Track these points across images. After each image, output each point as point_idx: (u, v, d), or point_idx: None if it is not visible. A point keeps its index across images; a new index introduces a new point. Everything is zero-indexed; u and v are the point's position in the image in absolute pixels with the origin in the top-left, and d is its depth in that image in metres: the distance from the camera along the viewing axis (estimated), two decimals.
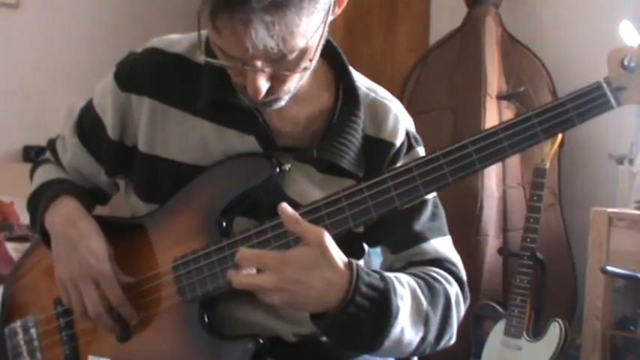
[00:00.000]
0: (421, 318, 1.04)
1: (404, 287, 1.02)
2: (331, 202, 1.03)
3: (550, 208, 2.87)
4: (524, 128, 0.98)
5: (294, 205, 1.07)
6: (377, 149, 1.16)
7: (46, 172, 1.27)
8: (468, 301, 1.16)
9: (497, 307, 2.57)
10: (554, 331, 2.41)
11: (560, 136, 2.47)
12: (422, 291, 1.05)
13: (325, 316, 0.96)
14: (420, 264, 1.14)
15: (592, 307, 2.52)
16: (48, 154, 1.31)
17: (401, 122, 1.19)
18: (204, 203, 1.12)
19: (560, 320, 2.42)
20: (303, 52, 0.98)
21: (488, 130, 1.00)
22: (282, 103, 1.07)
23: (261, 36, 0.92)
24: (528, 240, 2.48)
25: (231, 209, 1.11)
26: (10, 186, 3.40)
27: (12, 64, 3.76)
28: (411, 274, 1.09)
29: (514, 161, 2.90)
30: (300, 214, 1.01)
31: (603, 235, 2.50)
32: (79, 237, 1.13)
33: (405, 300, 1.01)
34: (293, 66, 0.99)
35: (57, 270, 1.14)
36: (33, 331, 1.21)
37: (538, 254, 2.48)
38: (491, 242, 2.80)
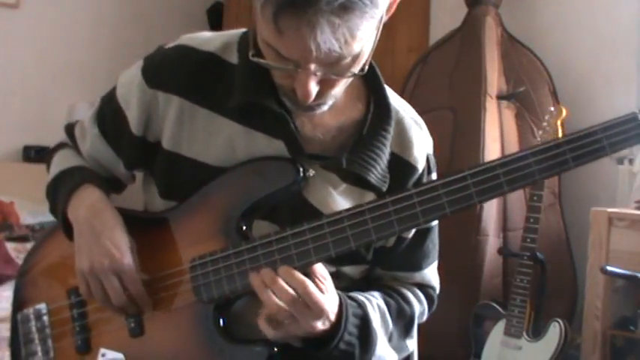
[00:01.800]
0: (387, 337, 1.17)
1: (374, 311, 1.13)
2: (354, 214, 1.02)
3: (550, 208, 2.87)
4: (555, 154, 0.97)
5: (315, 213, 1.08)
6: (401, 169, 1.16)
7: (64, 159, 1.25)
8: (434, 307, 1.28)
9: (497, 307, 2.57)
10: (554, 331, 2.41)
11: (560, 136, 2.47)
12: (391, 314, 1.17)
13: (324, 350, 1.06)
14: (406, 282, 1.24)
15: (592, 307, 2.52)
16: (65, 139, 1.29)
17: (424, 146, 1.20)
18: (224, 204, 1.10)
19: (560, 320, 2.42)
20: (356, 57, 0.98)
21: (518, 153, 0.99)
22: (325, 107, 1.07)
23: (326, 38, 0.91)
24: (528, 240, 2.48)
25: (252, 212, 1.10)
26: (10, 186, 3.41)
27: (12, 64, 3.76)
28: (385, 293, 1.19)
29: None
30: (323, 224, 1.02)
31: (603, 235, 2.50)
32: (102, 228, 1.12)
33: (376, 324, 1.13)
34: (344, 71, 0.99)
35: (77, 260, 1.13)
36: (45, 319, 1.21)
37: (538, 254, 2.48)
38: (492, 242, 2.80)
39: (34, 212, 3.23)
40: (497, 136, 2.88)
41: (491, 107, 2.88)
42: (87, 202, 1.15)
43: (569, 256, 2.91)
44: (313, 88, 0.99)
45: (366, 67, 1.02)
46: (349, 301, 1.09)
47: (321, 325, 1.03)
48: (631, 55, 2.92)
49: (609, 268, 2.38)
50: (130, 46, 3.91)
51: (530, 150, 0.99)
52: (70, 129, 1.28)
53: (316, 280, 1.02)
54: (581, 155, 0.97)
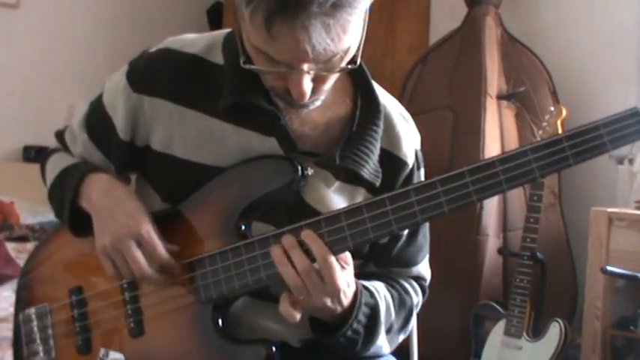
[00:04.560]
0: (387, 327, 1.17)
1: (382, 302, 1.14)
2: (352, 212, 1.02)
3: (550, 208, 2.87)
4: (555, 151, 0.95)
5: (312, 212, 1.08)
6: (392, 165, 1.16)
7: (61, 160, 1.25)
8: (426, 296, 1.30)
9: (497, 307, 2.57)
10: (554, 331, 2.41)
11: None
12: (394, 305, 1.18)
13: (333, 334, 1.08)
14: (402, 276, 1.25)
15: (592, 307, 2.52)
16: (57, 145, 1.29)
17: (413, 141, 1.20)
18: (223, 204, 1.10)
19: (560, 320, 2.42)
20: (346, 52, 0.99)
21: (517, 149, 0.98)
22: (318, 103, 1.07)
23: (321, 38, 0.92)
24: (528, 240, 2.48)
25: (251, 212, 1.09)
26: (10, 186, 3.41)
27: (12, 64, 3.77)
28: (388, 284, 1.20)
29: None
30: (320, 221, 1.03)
31: (603, 235, 2.50)
32: (115, 203, 1.11)
33: (381, 314, 1.14)
34: (335, 66, 1.00)
35: (98, 241, 1.11)
36: (47, 319, 1.21)
37: (538, 254, 2.48)
38: (492, 242, 2.80)
39: (34, 212, 3.23)
40: (498, 136, 2.88)
41: (491, 107, 2.88)
42: (97, 186, 1.15)
43: (569, 256, 2.91)
44: (308, 86, 0.99)
45: (358, 60, 1.02)
46: (363, 289, 1.10)
47: (330, 303, 1.03)
48: (630, 54, 2.92)
49: (609, 268, 2.38)
50: (129, 46, 3.90)
51: (529, 146, 0.97)
52: (60, 135, 1.29)
53: (340, 261, 1.02)
54: (582, 152, 0.95)
